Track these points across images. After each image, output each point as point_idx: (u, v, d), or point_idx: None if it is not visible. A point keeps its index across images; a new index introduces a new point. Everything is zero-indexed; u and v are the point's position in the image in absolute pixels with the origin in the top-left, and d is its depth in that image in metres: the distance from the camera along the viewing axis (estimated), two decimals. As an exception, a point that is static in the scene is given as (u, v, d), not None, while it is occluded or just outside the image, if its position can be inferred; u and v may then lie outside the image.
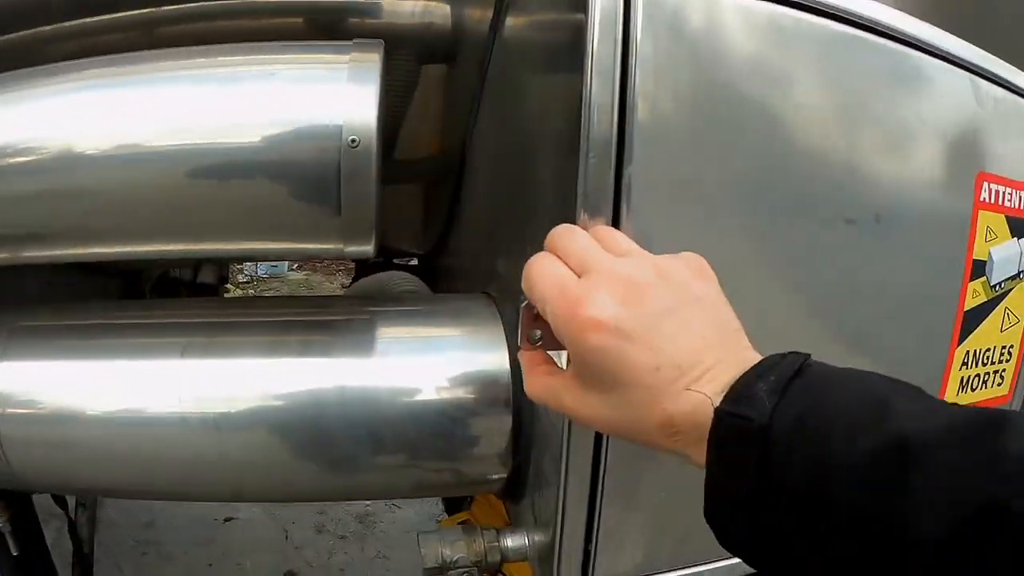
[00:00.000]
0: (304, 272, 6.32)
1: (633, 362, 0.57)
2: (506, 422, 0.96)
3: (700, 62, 0.81)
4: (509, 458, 0.97)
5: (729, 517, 0.56)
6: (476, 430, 0.96)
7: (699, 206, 0.84)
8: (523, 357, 0.72)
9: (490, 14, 1.15)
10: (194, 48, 0.96)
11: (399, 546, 3.00)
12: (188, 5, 1.27)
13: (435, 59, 1.35)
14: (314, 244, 0.92)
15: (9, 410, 0.96)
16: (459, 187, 1.41)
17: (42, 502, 1.52)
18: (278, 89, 0.87)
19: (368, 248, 0.91)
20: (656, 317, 0.58)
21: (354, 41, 0.91)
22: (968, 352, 1.11)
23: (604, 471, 0.87)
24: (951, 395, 1.11)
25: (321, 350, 0.98)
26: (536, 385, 0.70)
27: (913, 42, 0.94)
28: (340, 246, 0.91)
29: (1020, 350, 1.21)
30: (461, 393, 0.96)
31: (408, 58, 1.31)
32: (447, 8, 1.31)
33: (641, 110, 0.78)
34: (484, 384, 0.96)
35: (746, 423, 0.52)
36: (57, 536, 2.19)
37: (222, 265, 2.45)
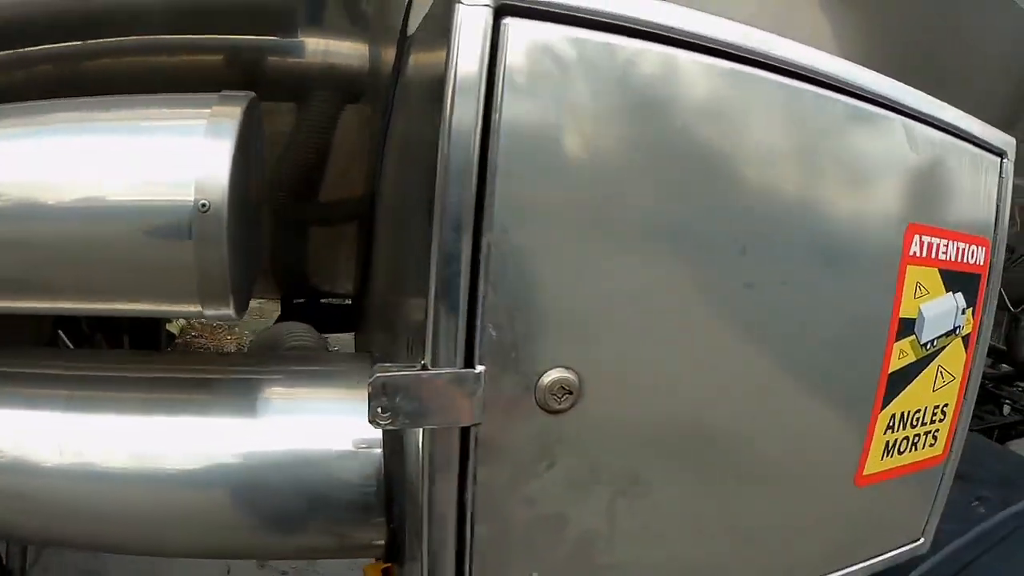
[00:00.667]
0: (257, 300, 6.33)
1: None
2: (378, 490, 0.93)
3: (564, 126, 0.77)
4: (382, 525, 0.94)
5: None
6: (347, 497, 0.94)
7: (572, 274, 0.79)
8: None
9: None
10: (63, 100, 0.94)
11: None
12: (106, 41, 1.25)
13: (355, 100, 1.33)
14: (172, 306, 0.92)
15: None
16: (371, 228, 1.37)
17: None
18: (134, 146, 0.86)
19: (228, 311, 0.89)
20: None
21: (221, 93, 0.88)
22: (894, 415, 1.06)
23: (471, 552, 0.83)
24: (875, 460, 1.07)
25: (196, 409, 0.97)
26: None
27: (831, 82, 0.89)
28: (198, 308, 0.88)
29: (956, 409, 1.16)
30: (332, 458, 0.94)
31: (326, 99, 1.28)
32: (365, 49, 1.28)
33: (506, 164, 0.74)
34: (356, 450, 0.93)
35: None
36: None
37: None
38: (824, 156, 0.90)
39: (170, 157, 0.85)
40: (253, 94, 0.91)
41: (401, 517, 0.93)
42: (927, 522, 1.21)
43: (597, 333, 0.81)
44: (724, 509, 0.96)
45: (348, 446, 0.93)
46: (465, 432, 0.78)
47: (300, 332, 1.34)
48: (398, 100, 1.12)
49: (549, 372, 0.79)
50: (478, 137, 0.73)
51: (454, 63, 0.72)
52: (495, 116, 0.73)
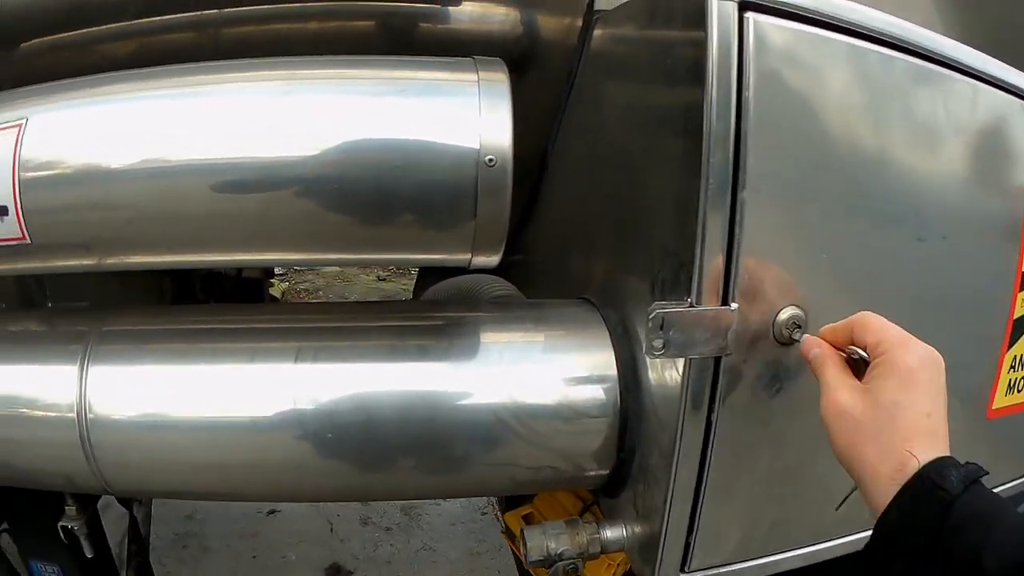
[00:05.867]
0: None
1: (920, 400, 0.73)
2: (613, 422, 1.01)
3: (805, 94, 0.87)
4: (614, 455, 1.03)
5: (889, 558, 0.67)
6: (585, 430, 1.01)
7: (798, 225, 0.89)
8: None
9: (570, 26, 1.20)
10: (308, 59, 0.97)
11: (445, 538, 2.96)
12: (254, 8, 1.26)
13: (513, 68, 1.36)
14: (444, 255, 0.96)
15: (100, 416, 0.98)
16: (536, 192, 1.46)
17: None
18: (414, 106, 0.90)
19: (496, 259, 0.95)
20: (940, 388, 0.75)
21: (475, 58, 0.95)
22: (1015, 356, 1.17)
23: (709, 468, 0.93)
24: (1000, 395, 1.18)
25: (438, 355, 1.02)
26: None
27: (979, 74, 1.00)
28: (468, 256, 0.95)
29: (1062, 354, 1.28)
30: (572, 395, 1.01)
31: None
32: (517, 17, 1.34)
33: (755, 134, 0.84)
34: (593, 386, 1.01)
35: (940, 491, 0.65)
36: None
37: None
38: (976, 140, 1.01)
39: (453, 116, 0.89)
40: (502, 60, 0.96)
41: (631, 447, 1.02)
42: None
43: (820, 277, 0.91)
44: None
45: (587, 383, 1.01)
46: (716, 361, 0.88)
47: (495, 282, 1.34)
48: (588, 70, 1.22)
49: (785, 309, 0.89)
50: (734, 112, 0.83)
51: (713, 51, 0.82)
52: (745, 94, 0.84)
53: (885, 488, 0.69)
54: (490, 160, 0.87)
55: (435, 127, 0.89)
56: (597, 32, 1.19)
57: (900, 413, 0.71)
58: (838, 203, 0.91)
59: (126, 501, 1.88)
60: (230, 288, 2.44)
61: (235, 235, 0.95)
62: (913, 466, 0.68)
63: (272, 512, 2.97)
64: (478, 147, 0.88)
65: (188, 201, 0.91)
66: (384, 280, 5.49)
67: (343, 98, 0.91)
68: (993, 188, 1.06)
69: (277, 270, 5.33)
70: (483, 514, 3.06)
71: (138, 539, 1.96)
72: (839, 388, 0.77)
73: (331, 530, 2.94)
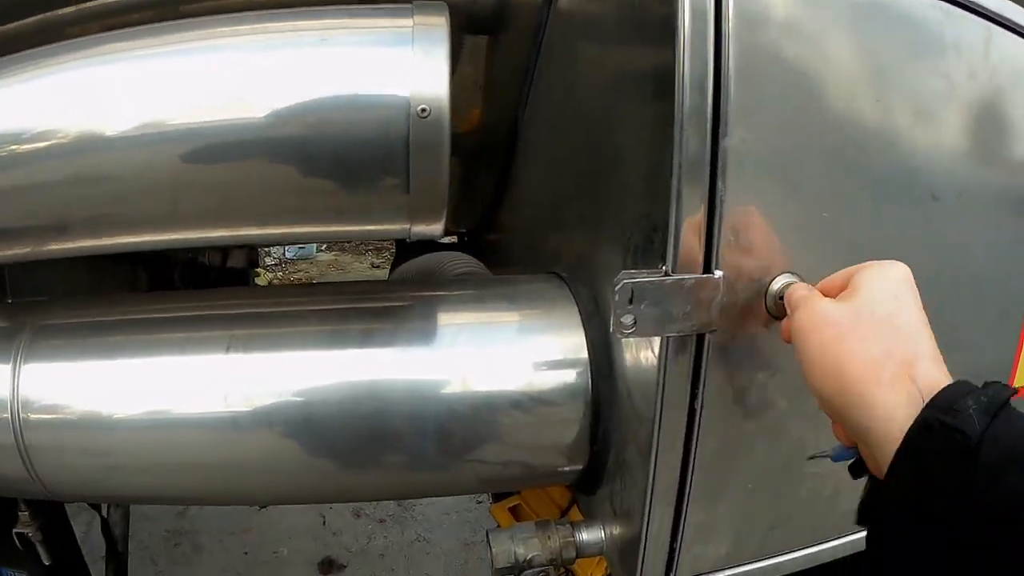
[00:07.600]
0: (333, 252, 5.81)
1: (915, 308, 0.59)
2: (585, 411, 0.86)
3: (795, 41, 0.72)
4: (587, 449, 0.88)
5: (902, 525, 0.48)
6: (552, 421, 0.86)
7: (791, 181, 0.74)
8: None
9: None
10: (236, 15, 0.82)
11: (438, 528, 2.85)
12: None
13: (479, 29, 1.22)
14: (379, 225, 0.81)
15: (34, 416, 0.86)
16: (509, 162, 1.30)
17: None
18: (335, 56, 0.75)
19: (438, 227, 0.80)
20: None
21: (414, 4, 0.80)
22: (1039, 333, 1.02)
23: (693, 465, 0.78)
24: (1022, 375, 1.02)
25: (384, 340, 0.88)
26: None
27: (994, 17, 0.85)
28: (407, 226, 0.80)
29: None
30: (536, 382, 0.86)
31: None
32: None
33: (738, 76, 0.69)
34: (561, 371, 0.86)
35: (956, 434, 0.46)
36: (87, 530, 1.98)
37: (252, 249, 2.31)
38: (979, 89, 0.84)
39: (381, 66, 0.74)
40: (445, 4, 0.80)
41: (606, 438, 0.87)
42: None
43: (819, 240, 0.76)
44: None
45: (553, 368, 0.86)
46: (700, 339, 0.73)
47: (459, 259, 1.18)
48: (555, 29, 1.07)
49: (779, 278, 0.74)
50: (711, 55, 0.68)
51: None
52: (724, 40, 0.68)
53: (891, 420, 0.52)
54: (423, 111, 0.72)
55: (360, 78, 0.74)
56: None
57: (898, 318, 0.57)
58: (838, 159, 0.76)
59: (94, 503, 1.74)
60: (214, 278, 2.29)
61: (145, 209, 0.80)
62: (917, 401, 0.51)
63: (264, 507, 2.84)
64: (408, 96, 0.72)
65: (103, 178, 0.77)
66: (379, 267, 5.26)
67: (257, 55, 0.77)
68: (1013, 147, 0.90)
69: (268, 260, 5.13)
70: (478, 503, 2.92)
71: (110, 541, 1.82)
72: (819, 299, 0.63)
73: (323, 523, 2.81)
